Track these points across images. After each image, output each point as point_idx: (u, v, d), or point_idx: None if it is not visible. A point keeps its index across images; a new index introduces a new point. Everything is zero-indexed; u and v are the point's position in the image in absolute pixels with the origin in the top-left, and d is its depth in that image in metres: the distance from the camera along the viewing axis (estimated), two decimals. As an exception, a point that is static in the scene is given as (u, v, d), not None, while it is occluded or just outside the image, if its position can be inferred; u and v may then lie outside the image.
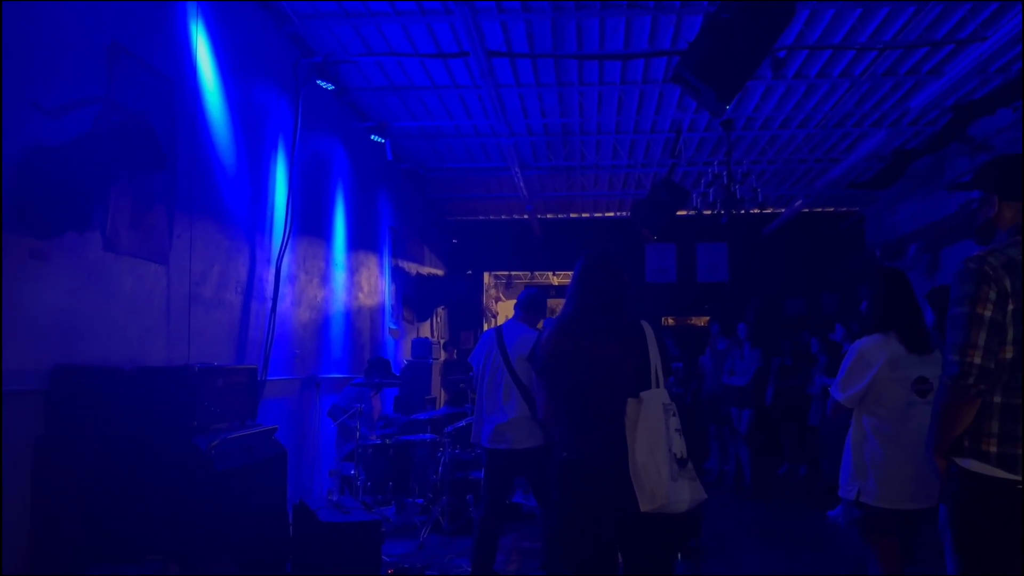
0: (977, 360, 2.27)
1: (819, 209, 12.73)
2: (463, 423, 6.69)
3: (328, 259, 7.24)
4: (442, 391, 10.42)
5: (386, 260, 9.49)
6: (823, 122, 8.50)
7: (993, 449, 2.31)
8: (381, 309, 9.22)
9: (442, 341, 12.18)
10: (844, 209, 12.83)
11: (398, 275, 10.01)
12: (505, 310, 16.27)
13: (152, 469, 3.51)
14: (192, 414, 3.69)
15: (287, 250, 5.95)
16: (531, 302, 5.02)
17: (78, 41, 3.67)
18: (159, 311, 4.34)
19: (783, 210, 12.35)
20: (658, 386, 2.82)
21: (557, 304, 17.23)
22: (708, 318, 10.94)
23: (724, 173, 8.15)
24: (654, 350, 2.87)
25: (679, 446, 2.74)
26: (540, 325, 4.90)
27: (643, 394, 2.77)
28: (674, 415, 2.80)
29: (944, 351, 2.39)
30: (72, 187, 3.42)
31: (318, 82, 6.51)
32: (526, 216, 12.48)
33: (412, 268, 10.83)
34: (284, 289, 5.99)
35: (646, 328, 2.91)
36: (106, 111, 3.73)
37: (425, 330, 11.56)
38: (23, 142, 3.29)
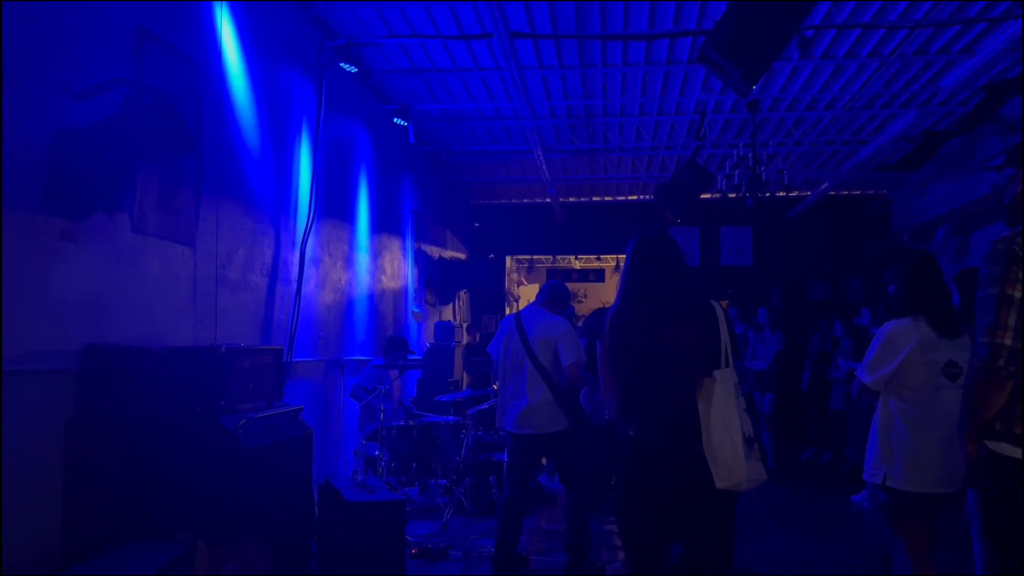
0: (1007, 341, 2.24)
1: (845, 192, 12.58)
2: (486, 406, 6.72)
3: (352, 242, 7.28)
4: (465, 374, 10.47)
5: (409, 243, 9.52)
6: (851, 103, 8.36)
7: (1025, 432, 2.28)
8: (404, 292, 9.26)
9: (465, 324, 12.22)
10: (871, 192, 12.66)
11: (421, 258, 10.03)
12: (527, 294, 16.26)
13: (180, 448, 3.57)
14: (219, 394, 3.74)
15: (311, 233, 5.98)
16: (555, 293, 5.03)
17: (105, 24, 3.70)
18: (186, 293, 4.39)
19: (809, 193, 12.21)
20: (727, 365, 2.82)
21: (578, 288, 17.25)
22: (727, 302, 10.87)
23: (749, 155, 8.06)
24: (724, 329, 2.85)
25: (746, 425, 2.77)
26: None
27: (716, 373, 2.77)
28: (740, 395, 2.81)
29: (974, 333, 2.35)
30: (101, 169, 3.45)
31: (341, 65, 6.51)
32: (548, 200, 12.44)
33: (435, 252, 10.85)
34: (308, 272, 6.03)
35: (716, 307, 2.89)
36: (134, 94, 3.76)
37: (448, 313, 11.60)
38: (53, 124, 3.33)
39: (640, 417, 2.85)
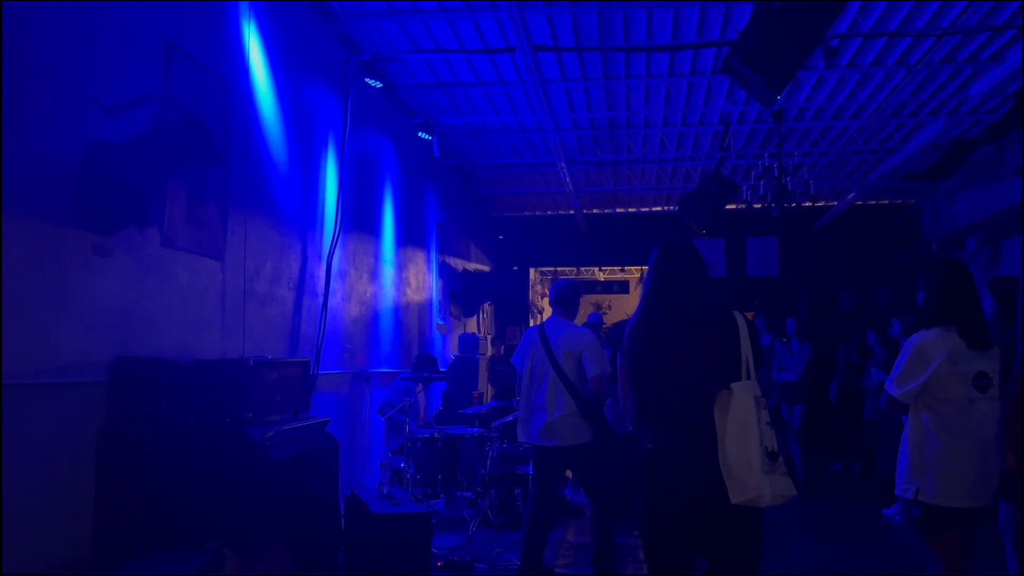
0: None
1: (873, 202, 12.46)
2: (511, 418, 6.70)
3: (377, 255, 7.32)
4: (489, 386, 10.46)
5: (433, 256, 9.56)
6: (877, 112, 8.29)
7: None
8: (429, 305, 9.29)
9: (489, 337, 12.23)
10: (899, 201, 12.52)
11: (445, 271, 10.07)
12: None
13: (208, 459, 3.59)
14: (247, 406, 3.77)
15: (337, 246, 6.03)
16: (563, 295, 4.95)
17: (135, 40, 3.77)
18: (214, 306, 4.44)
19: (835, 203, 12.10)
20: (749, 378, 2.76)
21: (602, 299, 17.21)
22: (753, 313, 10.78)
23: (775, 165, 8.01)
24: (746, 341, 2.80)
25: (770, 439, 2.69)
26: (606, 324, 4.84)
27: (733, 385, 2.72)
28: (765, 408, 2.73)
29: (1006, 342, 2.31)
30: (132, 183, 3.51)
31: (366, 80, 6.58)
32: (572, 211, 12.44)
33: (459, 264, 10.88)
34: (335, 285, 6.07)
35: (738, 318, 2.84)
36: (163, 108, 3.83)
37: (472, 326, 11.61)
38: (84, 139, 3.39)
39: (657, 429, 2.83)
